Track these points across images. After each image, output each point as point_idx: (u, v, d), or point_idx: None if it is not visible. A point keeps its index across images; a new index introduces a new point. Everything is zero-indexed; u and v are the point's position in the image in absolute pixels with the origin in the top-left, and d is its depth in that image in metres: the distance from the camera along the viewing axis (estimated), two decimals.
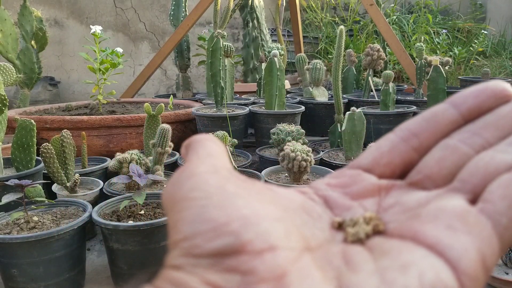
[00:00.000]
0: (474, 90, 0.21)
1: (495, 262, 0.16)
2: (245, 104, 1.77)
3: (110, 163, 1.21)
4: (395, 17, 3.63)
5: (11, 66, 1.23)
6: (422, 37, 3.35)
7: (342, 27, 1.42)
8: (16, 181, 0.89)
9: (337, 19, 3.81)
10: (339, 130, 1.51)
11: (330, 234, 0.18)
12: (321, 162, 1.36)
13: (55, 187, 1.16)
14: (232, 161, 1.11)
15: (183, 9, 2.42)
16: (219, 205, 0.16)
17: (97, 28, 1.70)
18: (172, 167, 1.35)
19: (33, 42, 2.01)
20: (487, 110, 0.20)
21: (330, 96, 1.91)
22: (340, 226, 0.18)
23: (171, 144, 1.17)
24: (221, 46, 1.53)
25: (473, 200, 0.17)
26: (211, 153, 0.19)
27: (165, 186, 1.18)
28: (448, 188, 0.18)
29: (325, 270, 0.16)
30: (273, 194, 0.18)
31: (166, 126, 1.13)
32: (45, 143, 1.06)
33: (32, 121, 1.13)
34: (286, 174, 1.25)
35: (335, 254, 0.17)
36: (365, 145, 1.38)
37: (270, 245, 0.15)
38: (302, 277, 0.14)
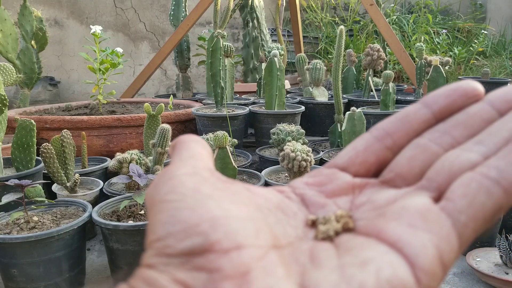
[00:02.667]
0: (445, 90, 0.21)
1: (454, 258, 0.17)
2: (245, 104, 1.77)
3: (110, 163, 1.21)
4: (395, 17, 3.63)
5: (11, 66, 1.23)
6: (422, 37, 3.35)
7: (342, 27, 1.42)
8: (16, 181, 0.89)
9: (337, 19, 3.81)
10: (339, 130, 1.51)
11: (303, 232, 0.19)
12: (321, 162, 1.36)
13: (55, 187, 1.16)
14: (232, 161, 1.11)
15: (183, 9, 2.42)
16: (191, 207, 0.16)
17: (97, 28, 1.70)
18: None
19: (33, 42, 2.01)
20: (458, 109, 0.21)
21: (330, 96, 1.91)
22: (313, 224, 0.19)
23: (171, 144, 1.16)
24: (221, 46, 1.53)
25: (438, 198, 0.18)
26: (194, 154, 0.20)
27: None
28: (416, 186, 0.19)
29: (290, 266, 0.16)
30: (249, 194, 0.19)
31: (166, 126, 1.13)
32: (45, 143, 1.06)
33: (32, 121, 1.13)
34: (286, 174, 1.25)
35: (303, 251, 0.17)
36: None
37: (237, 244, 0.15)
38: (265, 273, 0.15)
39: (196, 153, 0.20)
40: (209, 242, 0.15)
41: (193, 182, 0.18)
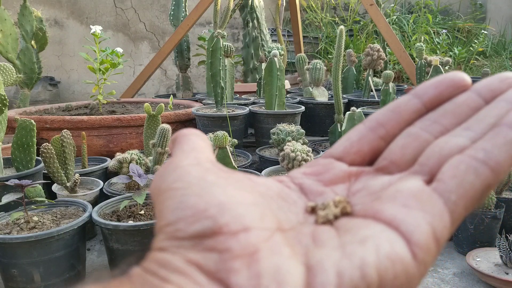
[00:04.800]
0: (434, 81, 0.22)
1: (447, 235, 0.18)
2: (245, 104, 1.77)
3: (110, 163, 1.21)
4: (395, 17, 3.63)
5: (11, 66, 1.23)
6: (422, 37, 3.35)
7: (342, 27, 1.42)
8: (16, 181, 0.89)
9: (337, 19, 3.81)
10: (339, 130, 1.51)
11: (304, 217, 0.20)
12: None
13: (55, 187, 1.16)
14: (232, 161, 1.11)
15: (183, 9, 2.42)
16: (198, 193, 0.17)
17: (97, 28, 1.70)
18: None
19: (33, 42, 2.01)
20: (446, 99, 0.22)
21: (330, 96, 1.91)
22: (313, 210, 0.20)
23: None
24: (221, 46, 1.53)
25: (430, 181, 0.19)
26: (195, 147, 0.21)
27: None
28: (409, 171, 0.20)
29: (294, 247, 0.17)
30: (251, 182, 0.20)
31: (166, 126, 1.13)
32: (45, 143, 1.06)
33: (32, 121, 1.13)
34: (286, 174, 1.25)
35: (305, 234, 0.18)
36: None
37: (244, 226, 0.16)
38: (272, 253, 0.16)
39: (197, 145, 0.21)
40: (218, 225, 0.16)
41: (198, 171, 0.19)
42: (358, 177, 0.22)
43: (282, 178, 0.22)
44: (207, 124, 1.53)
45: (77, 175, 1.13)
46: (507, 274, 0.94)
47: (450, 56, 3.17)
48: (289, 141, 1.23)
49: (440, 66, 1.62)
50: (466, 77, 0.22)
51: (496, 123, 0.19)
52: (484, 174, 0.18)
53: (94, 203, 1.11)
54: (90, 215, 0.93)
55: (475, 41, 3.34)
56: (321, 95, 1.89)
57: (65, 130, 1.14)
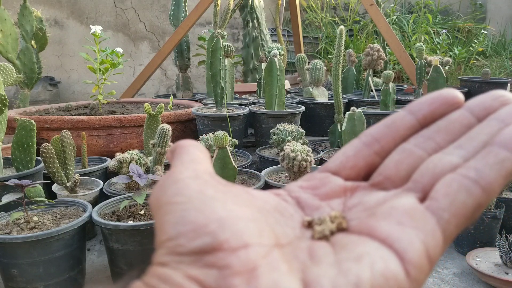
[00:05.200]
0: (428, 98, 0.23)
1: (440, 253, 0.18)
2: (245, 104, 1.77)
3: (110, 163, 1.21)
4: (395, 17, 3.63)
5: (11, 66, 1.23)
6: (422, 37, 3.35)
7: (342, 27, 1.42)
8: (16, 181, 0.89)
9: (337, 19, 3.81)
10: (339, 130, 1.51)
11: (300, 232, 0.20)
12: (321, 162, 1.36)
13: (55, 187, 1.16)
14: (232, 161, 1.11)
15: (183, 9, 2.42)
16: (199, 208, 0.18)
17: (97, 28, 1.70)
18: None
19: (33, 42, 2.01)
20: (440, 115, 0.22)
21: (330, 96, 1.91)
22: (309, 225, 0.20)
23: (171, 144, 1.17)
24: (221, 46, 1.53)
25: (423, 198, 0.19)
26: (194, 159, 0.21)
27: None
28: (403, 188, 0.20)
29: (292, 263, 0.17)
30: (249, 196, 0.20)
31: (166, 126, 1.13)
32: (45, 143, 1.06)
33: (32, 121, 1.13)
34: (286, 174, 1.25)
35: (302, 249, 0.18)
36: None
37: (244, 242, 0.17)
38: (271, 269, 0.16)
39: (195, 157, 0.22)
40: (218, 242, 0.17)
41: (197, 185, 0.19)
42: (354, 192, 0.22)
43: (279, 192, 0.23)
44: (207, 124, 1.53)
45: (77, 175, 1.13)
46: (507, 274, 0.94)
47: (450, 56, 3.17)
48: (289, 141, 1.23)
49: (440, 66, 1.62)
50: (459, 95, 0.22)
51: (487, 142, 0.20)
52: (475, 193, 0.18)
53: (94, 203, 1.11)
54: (90, 215, 0.93)
55: (475, 41, 3.33)
56: (321, 95, 1.89)
57: (65, 130, 1.14)
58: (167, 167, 1.29)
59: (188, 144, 0.23)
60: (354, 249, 0.18)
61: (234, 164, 1.10)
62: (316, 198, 0.22)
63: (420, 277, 0.17)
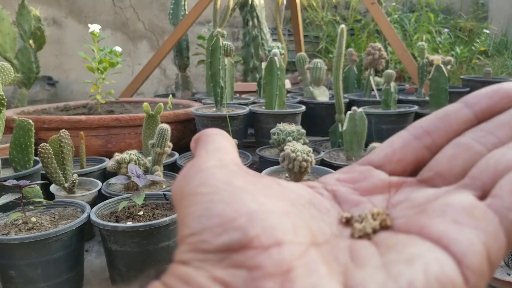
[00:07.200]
0: (487, 91, 0.20)
1: (502, 257, 0.16)
2: (245, 104, 1.76)
3: (109, 163, 1.20)
4: (396, 16, 3.62)
5: (9, 65, 1.22)
6: (424, 36, 3.34)
7: (343, 26, 1.41)
8: (14, 181, 0.88)
9: (338, 18, 3.80)
10: (340, 130, 1.50)
11: (338, 229, 0.18)
12: (322, 162, 1.35)
13: (53, 188, 1.15)
14: None
15: (182, 8, 2.41)
16: (226, 200, 0.16)
17: (95, 27, 1.68)
18: (171, 168, 1.34)
19: (31, 42, 2.00)
20: (499, 110, 0.20)
21: (331, 95, 1.90)
22: (348, 222, 0.18)
23: (170, 144, 1.16)
24: (221, 45, 1.52)
25: (483, 197, 0.17)
26: (219, 147, 0.20)
27: (164, 186, 1.17)
28: (458, 185, 0.18)
29: (331, 265, 0.15)
30: (281, 188, 0.18)
31: (165, 126, 1.12)
32: (43, 143, 1.05)
33: (30, 121, 1.12)
34: (287, 175, 1.24)
35: (342, 249, 0.17)
36: (366, 145, 1.37)
37: (276, 240, 0.15)
38: (308, 272, 0.14)
39: (221, 146, 0.20)
40: (247, 238, 0.15)
41: (224, 175, 0.17)
42: (399, 188, 0.20)
43: (313, 184, 0.21)
44: (207, 124, 1.52)
45: (75, 176, 1.12)
46: (509, 275, 0.93)
47: (452, 55, 3.16)
48: (289, 141, 1.22)
49: (442, 65, 1.61)
50: None
51: None
52: None
53: (93, 204, 1.09)
54: (89, 216, 0.92)
55: (477, 40, 3.32)
56: (322, 95, 1.88)
57: (63, 130, 1.13)
58: (166, 167, 1.27)
59: (213, 133, 0.21)
60: (404, 250, 0.16)
61: None
62: (356, 193, 0.20)
63: (479, 284, 0.15)
